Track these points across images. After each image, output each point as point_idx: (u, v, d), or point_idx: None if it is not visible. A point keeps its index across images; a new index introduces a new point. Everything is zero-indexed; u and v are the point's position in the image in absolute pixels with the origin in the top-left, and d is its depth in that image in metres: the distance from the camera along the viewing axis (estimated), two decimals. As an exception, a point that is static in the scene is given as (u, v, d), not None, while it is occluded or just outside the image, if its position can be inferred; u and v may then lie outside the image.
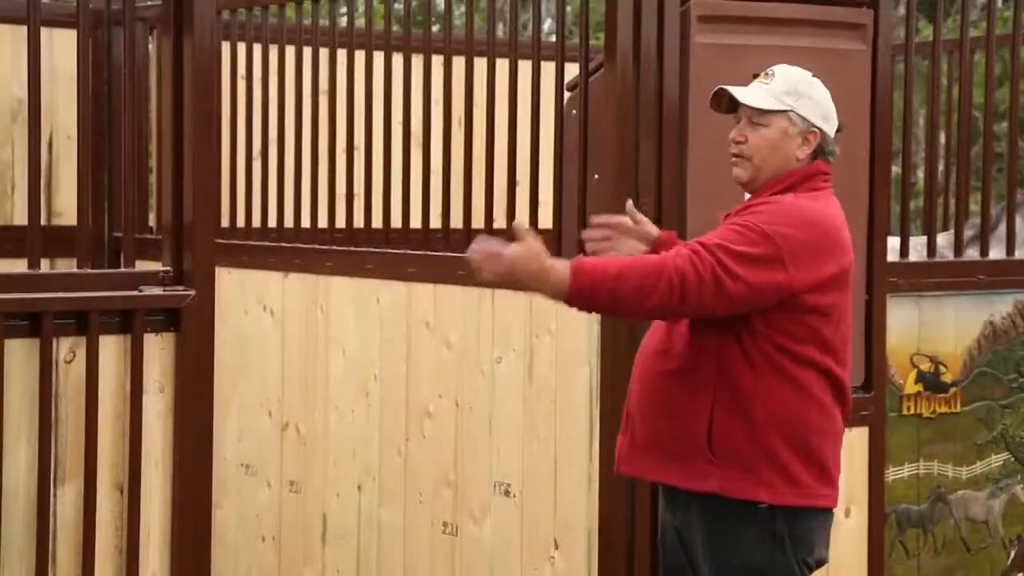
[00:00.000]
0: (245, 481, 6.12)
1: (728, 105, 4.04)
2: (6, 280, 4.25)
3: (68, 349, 4.24)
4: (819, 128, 4.01)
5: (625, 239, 4.17)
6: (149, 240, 5.84)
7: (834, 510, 4.05)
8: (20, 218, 6.38)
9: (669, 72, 4.68)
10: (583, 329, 4.81)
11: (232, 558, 6.15)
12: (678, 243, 4.13)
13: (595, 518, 4.82)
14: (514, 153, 5.19)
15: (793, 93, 3.99)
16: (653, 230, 4.21)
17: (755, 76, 4.09)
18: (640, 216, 4.21)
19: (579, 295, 3.73)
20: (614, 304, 3.77)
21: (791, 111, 3.98)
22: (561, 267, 3.72)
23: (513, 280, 3.75)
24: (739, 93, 3.98)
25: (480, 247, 3.74)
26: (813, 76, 4.06)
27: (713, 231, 3.90)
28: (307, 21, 6.18)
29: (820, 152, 4.03)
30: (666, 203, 4.68)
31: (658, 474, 4.02)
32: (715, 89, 4.03)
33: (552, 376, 4.96)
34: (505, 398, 5.11)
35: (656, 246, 4.15)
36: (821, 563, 4.01)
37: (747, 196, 4.10)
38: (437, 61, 5.50)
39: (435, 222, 5.51)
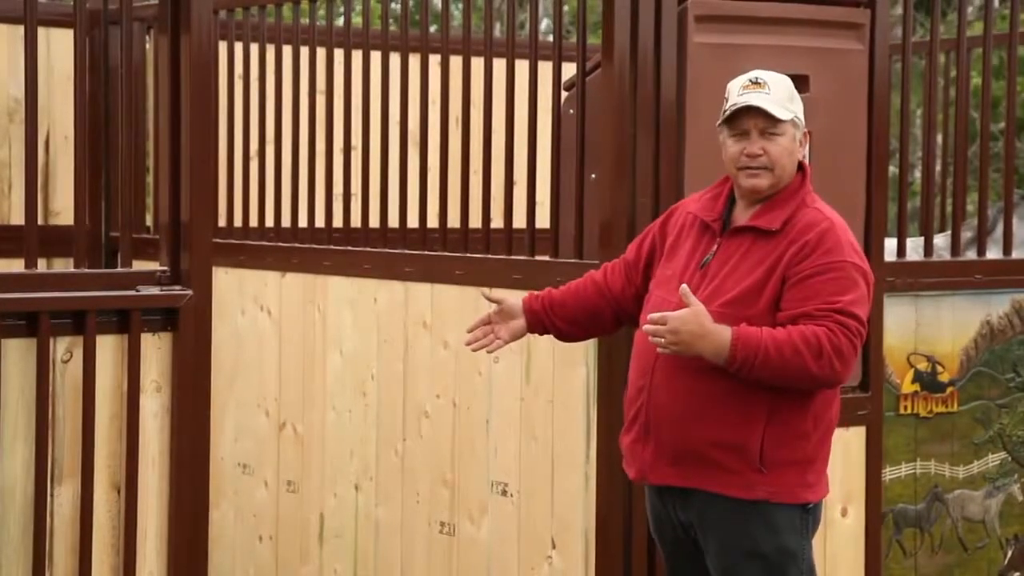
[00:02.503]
0: (242, 480, 6.11)
1: (723, 118, 4.04)
2: (3, 280, 4.24)
3: (65, 349, 4.23)
4: (806, 128, 4.09)
5: (502, 324, 4.32)
6: (146, 240, 5.85)
7: None
8: (17, 218, 6.38)
9: (666, 71, 4.69)
10: (580, 329, 4.81)
11: (229, 557, 6.15)
12: (544, 297, 4.30)
13: (592, 518, 4.82)
14: (511, 153, 5.19)
15: (792, 98, 4.04)
16: (516, 301, 4.33)
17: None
18: (496, 295, 4.36)
19: (735, 364, 3.86)
20: (771, 378, 3.88)
21: (795, 117, 4.03)
22: (723, 332, 3.86)
23: (676, 340, 3.87)
24: (767, 106, 3.97)
25: (652, 319, 3.90)
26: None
27: (819, 290, 3.91)
28: (304, 20, 6.17)
29: None
30: (663, 202, 4.68)
31: (694, 482, 4.02)
32: (735, 105, 4.00)
33: (549, 376, 4.96)
34: (502, 398, 5.11)
35: (530, 312, 4.30)
36: None
37: (718, 189, 4.15)
38: (434, 61, 5.50)
39: (432, 222, 5.51)
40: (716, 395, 3.94)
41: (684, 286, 3.91)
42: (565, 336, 4.39)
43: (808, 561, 4.04)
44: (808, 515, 4.03)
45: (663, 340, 3.87)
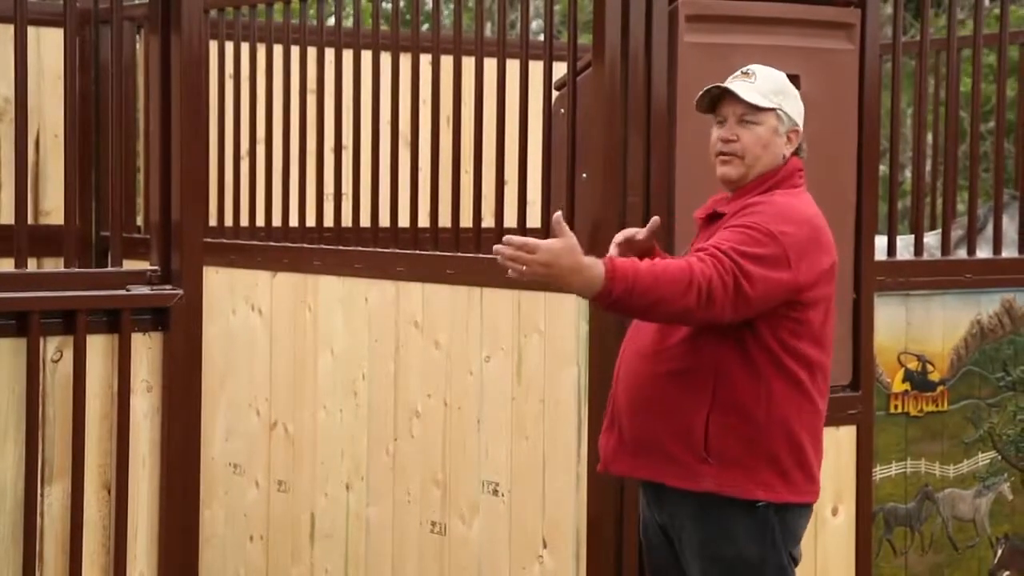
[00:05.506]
0: (233, 480, 6.11)
1: (707, 105, 4.06)
2: (-7, 279, 4.25)
3: (55, 348, 4.23)
4: (799, 127, 4.07)
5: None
6: (137, 239, 5.85)
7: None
8: (7, 217, 6.37)
9: (657, 71, 4.69)
10: (572, 328, 4.81)
11: (220, 557, 6.15)
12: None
13: (583, 517, 4.82)
14: (502, 152, 5.19)
15: (780, 92, 4.04)
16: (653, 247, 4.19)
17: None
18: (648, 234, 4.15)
19: (612, 297, 3.70)
20: (644, 311, 3.77)
21: (779, 109, 4.03)
22: (596, 266, 3.68)
23: (547, 273, 3.65)
24: (737, 89, 3.99)
25: (511, 241, 3.66)
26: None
27: (720, 235, 3.86)
28: (295, 20, 6.17)
29: (797, 150, 4.09)
30: (654, 202, 4.69)
31: (648, 473, 4.02)
32: (708, 86, 4.04)
33: (541, 375, 4.96)
34: (494, 397, 5.11)
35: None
36: (798, 557, 4.06)
37: (718, 192, 4.13)
38: (425, 60, 5.50)
39: (423, 221, 5.51)
40: (663, 381, 3.93)
41: (557, 213, 3.72)
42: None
43: (783, 571, 3.95)
44: (773, 518, 3.92)
45: (524, 268, 3.64)
